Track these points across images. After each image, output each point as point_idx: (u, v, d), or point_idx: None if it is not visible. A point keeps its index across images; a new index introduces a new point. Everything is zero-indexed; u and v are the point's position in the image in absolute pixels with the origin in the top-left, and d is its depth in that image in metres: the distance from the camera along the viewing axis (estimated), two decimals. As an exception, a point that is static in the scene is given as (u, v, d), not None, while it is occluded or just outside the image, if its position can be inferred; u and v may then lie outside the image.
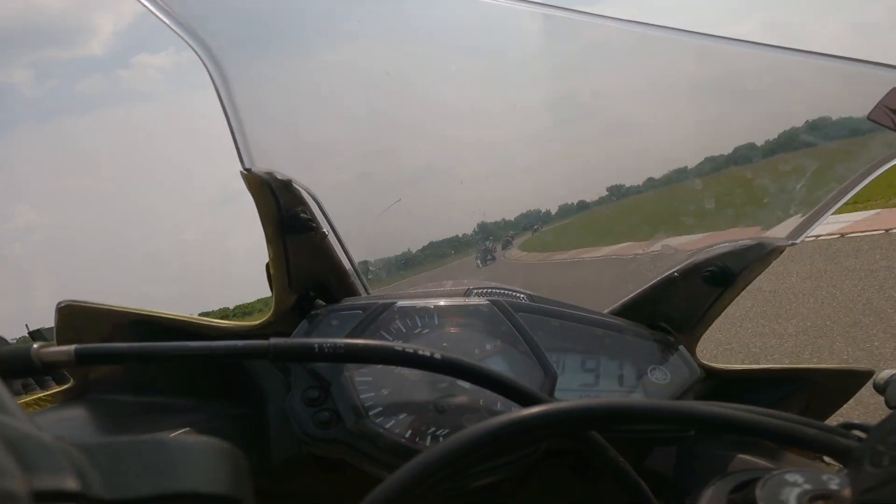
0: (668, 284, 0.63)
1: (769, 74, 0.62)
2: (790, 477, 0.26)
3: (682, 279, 0.61)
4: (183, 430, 0.42)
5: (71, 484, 0.15)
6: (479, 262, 0.91)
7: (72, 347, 0.34)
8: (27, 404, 0.46)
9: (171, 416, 0.46)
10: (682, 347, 0.60)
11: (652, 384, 0.56)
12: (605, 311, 0.66)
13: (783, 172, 0.61)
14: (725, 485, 0.28)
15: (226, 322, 0.56)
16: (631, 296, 0.66)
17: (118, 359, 0.36)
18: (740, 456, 0.40)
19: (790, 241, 0.56)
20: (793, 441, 0.30)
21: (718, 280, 0.58)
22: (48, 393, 0.48)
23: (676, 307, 0.63)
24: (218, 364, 0.55)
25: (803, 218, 0.57)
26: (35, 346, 0.34)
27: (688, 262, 0.61)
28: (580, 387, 0.56)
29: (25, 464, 0.15)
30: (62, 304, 0.47)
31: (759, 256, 0.56)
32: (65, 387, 0.49)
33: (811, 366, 0.63)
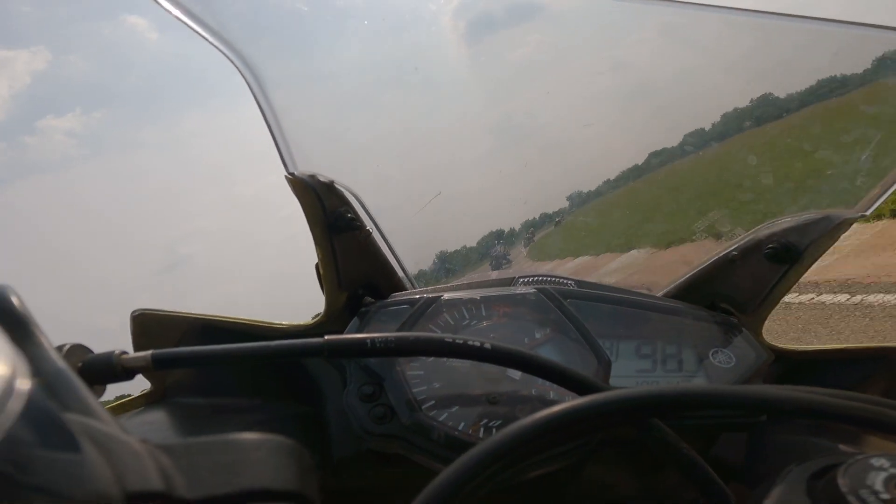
0: (726, 264, 0.59)
1: (820, 45, 0.58)
2: (875, 461, 0.24)
3: (742, 258, 0.58)
4: (251, 430, 0.45)
5: (157, 484, 0.17)
6: (491, 266, 0.89)
7: (148, 353, 0.37)
8: (113, 409, 0.50)
9: (240, 417, 0.48)
10: (746, 329, 0.57)
11: (715, 368, 0.53)
12: (660, 294, 0.64)
13: (845, 143, 0.57)
14: (804, 471, 0.26)
15: (283, 323, 0.58)
16: (686, 277, 0.63)
17: (189, 362, 0.38)
18: (816, 441, 0.38)
19: (859, 213, 0.52)
20: (876, 425, 0.28)
21: (782, 257, 0.54)
22: (132, 398, 0.52)
23: (738, 287, 0.59)
24: (278, 364, 0.57)
25: (873, 189, 0.52)
26: (116, 352, 0.37)
27: (747, 239, 0.58)
28: (636, 373, 0.54)
29: (117, 466, 0.16)
30: (136, 313, 0.51)
31: (826, 230, 0.52)
32: (145, 391, 0.53)
33: (892, 344, 0.58)
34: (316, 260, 0.59)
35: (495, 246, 0.89)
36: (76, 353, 0.36)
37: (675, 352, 0.55)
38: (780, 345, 0.58)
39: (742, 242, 0.58)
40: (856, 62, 0.57)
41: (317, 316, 0.60)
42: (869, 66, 0.56)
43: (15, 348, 0.14)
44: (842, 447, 0.36)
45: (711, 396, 0.30)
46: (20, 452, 0.13)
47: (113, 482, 0.16)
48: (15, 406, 0.13)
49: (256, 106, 0.54)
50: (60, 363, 0.21)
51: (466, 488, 0.25)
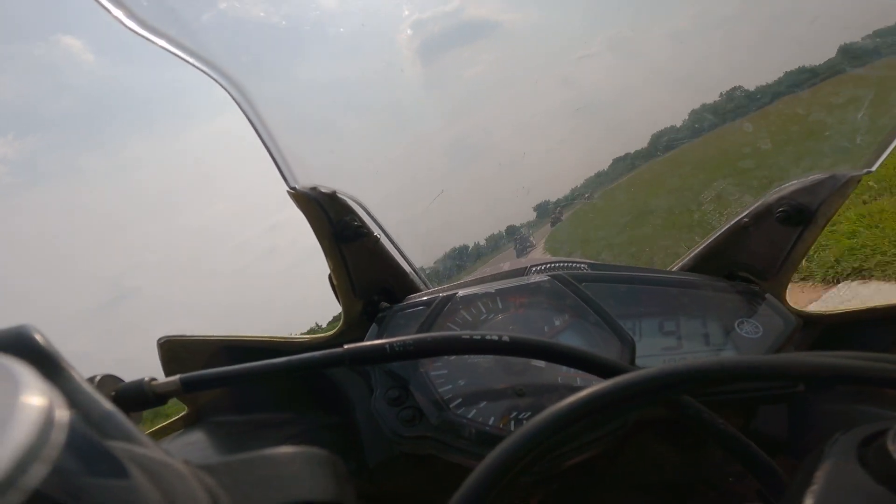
0: (740, 231, 0.59)
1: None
2: None
3: (754, 224, 0.57)
4: (286, 444, 0.45)
5: None
6: (517, 252, 0.89)
7: (177, 378, 0.37)
8: (153, 434, 0.51)
9: (274, 431, 0.49)
10: (769, 296, 0.56)
11: (743, 339, 0.53)
12: (675, 269, 0.63)
13: (837, 105, 0.57)
14: (851, 438, 0.25)
15: (304, 337, 0.59)
16: (700, 248, 0.62)
17: (216, 383, 0.39)
18: (860, 407, 0.37)
19: (866, 170, 0.51)
20: None
21: (795, 219, 0.53)
22: (169, 421, 0.53)
23: (755, 254, 0.58)
24: (305, 377, 0.57)
25: (876, 145, 0.51)
26: (146, 379, 0.37)
27: (757, 205, 0.57)
28: (662, 351, 0.53)
29: (165, 489, 0.16)
30: (162, 340, 0.51)
31: (834, 188, 0.52)
32: (182, 414, 0.54)
33: None
34: (328, 271, 0.59)
35: (518, 230, 0.89)
36: (108, 382, 0.36)
37: (700, 326, 0.54)
38: (807, 310, 0.56)
39: (752, 209, 0.58)
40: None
41: (335, 326, 0.61)
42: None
43: (47, 383, 0.15)
44: (887, 411, 0.36)
45: (744, 368, 0.30)
46: (70, 482, 0.13)
47: None
48: (58, 437, 0.13)
49: (248, 123, 0.54)
50: (95, 394, 0.21)
51: (502, 482, 0.25)
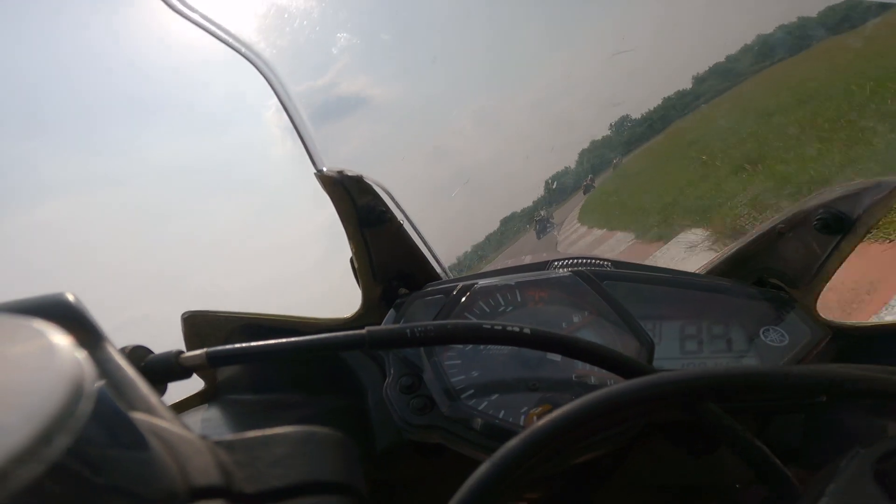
0: (773, 237, 0.56)
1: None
2: None
3: (789, 229, 0.55)
4: (300, 424, 0.46)
5: (219, 480, 0.17)
6: (538, 234, 0.87)
7: (203, 351, 0.38)
8: (173, 407, 0.53)
9: (288, 411, 0.50)
10: (799, 305, 0.54)
11: (767, 347, 0.51)
12: (703, 272, 0.61)
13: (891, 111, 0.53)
14: (870, 454, 0.24)
15: (322, 318, 0.60)
16: (731, 253, 0.60)
17: (241, 358, 0.39)
18: (879, 421, 0.35)
19: None
20: None
21: (834, 227, 0.51)
22: (188, 396, 0.55)
23: (787, 261, 0.56)
24: (320, 359, 0.59)
25: None
26: (174, 352, 0.39)
27: (795, 211, 0.54)
28: (682, 355, 0.52)
29: (181, 463, 0.17)
30: (186, 315, 0.53)
31: (879, 197, 0.49)
32: (200, 390, 0.56)
33: None
34: (350, 254, 0.60)
35: (538, 211, 0.88)
36: (137, 353, 0.38)
37: (723, 331, 0.53)
38: (838, 320, 0.54)
39: (789, 214, 0.55)
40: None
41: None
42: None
43: (82, 351, 0.15)
44: None
45: (770, 377, 0.29)
46: (92, 453, 0.14)
47: (178, 479, 0.16)
48: (85, 408, 0.13)
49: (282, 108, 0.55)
50: (125, 364, 0.22)
51: (510, 477, 0.25)
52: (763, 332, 0.52)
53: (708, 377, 0.28)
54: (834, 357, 0.55)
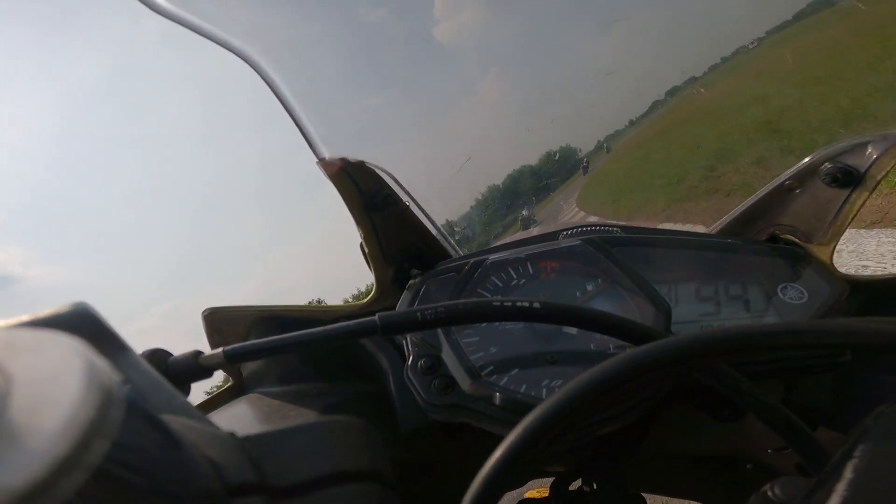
0: (783, 193, 0.55)
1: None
2: None
3: (798, 184, 0.54)
4: (324, 414, 0.47)
5: (252, 476, 0.18)
6: (521, 228, 0.87)
7: (220, 350, 0.39)
8: (201, 406, 0.54)
9: (312, 401, 0.51)
10: (815, 260, 0.53)
11: (786, 305, 0.50)
12: (714, 231, 0.61)
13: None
14: (894, 412, 0.24)
15: (337, 305, 0.60)
16: (740, 211, 0.59)
17: (256, 354, 0.40)
18: None
19: None
20: None
21: (843, 180, 0.50)
22: (216, 393, 0.56)
23: (799, 216, 0.55)
24: (339, 347, 0.59)
25: None
26: (193, 352, 0.39)
27: (802, 165, 0.53)
28: (699, 317, 0.52)
29: (215, 461, 0.17)
30: (206, 312, 0.54)
31: (885, 149, 0.48)
32: (227, 386, 0.57)
33: None
34: (360, 240, 0.60)
35: (521, 211, 0.88)
36: (158, 357, 0.38)
37: (740, 291, 0.52)
38: (855, 274, 0.53)
39: (796, 169, 0.54)
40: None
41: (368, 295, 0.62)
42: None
43: (104, 359, 0.15)
44: None
45: (784, 334, 0.28)
46: (130, 456, 0.14)
47: (214, 477, 0.17)
48: (117, 413, 0.14)
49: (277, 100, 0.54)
50: (150, 369, 0.22)
51: (534, 450, 0.25)
52: (781, 290, 0.51)
53: (721, 338, 0.28)
54: (856, 312, 0.54)
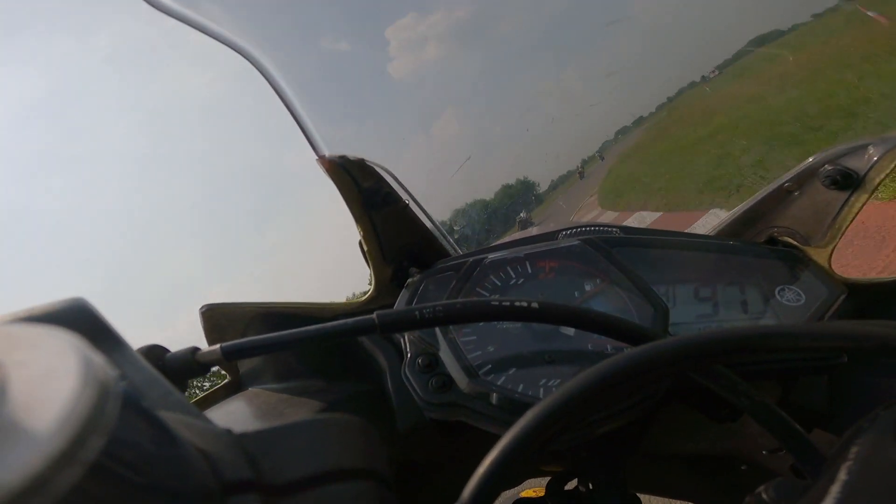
0: (782, 195, 0.55)
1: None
2: None
3: (797, 187, 0.54)
4: (322, 412, 0.47)
5: (248, 473, 0.18)
6: (519, 230, 0.87)
7: (218, 347, 0.38)
8: (199, 402, 0.54)
9: (309, 399, 0.51)
10: (813, 262, 0.53)
11: (783, 307, 0.50)
12: (713, 233, 0.61)
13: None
14: (890, 415, 0.24)
15: (337, 302, 0.60)
16: (739, 212, 0.59)
17: (253, 351, 0.40)
18: None
19: None
20: None
21: (842, 183, 0.50)
22: (213, 390, 0.56)
23: (798, 218, 0.55)
24: (337, 344, 0.59)
25: None
26: (190, 349, 0.39)
27: (801, 168, 0.54)
28: (697, 318, 0.52)
29: (211, 458, 0.17)
30: (204, 308, 0.54)
31: (885, 153, 0.48)
32: (224, 382, 0.57)
33: None
34: (359, 238, 0.60)
35: (520, 214, 0.88)
36: (154, 353, 0.38)
37: (738, 293, 0.52)
38: (853, 277, 0.54)
39: (796, 172, 0.54)
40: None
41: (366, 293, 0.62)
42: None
43: (101, 354, 0.15)
44: None
45: (781, 336, 0.28)
46: (126, 453, 0.14)
47: (210, 474, 0.17)
48: (113, 408, 0.14)
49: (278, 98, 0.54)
50: (146, 365, 0.22)
51: (531, 449, 0.25)
52: (778, 292, 0.51)
53: (718, 339, 0.28)
54: (853, 315, 0.54)
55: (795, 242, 0.56)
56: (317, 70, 0.62)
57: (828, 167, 0.51)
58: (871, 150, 0.49)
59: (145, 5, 0.46)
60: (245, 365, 0.57)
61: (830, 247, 0.53)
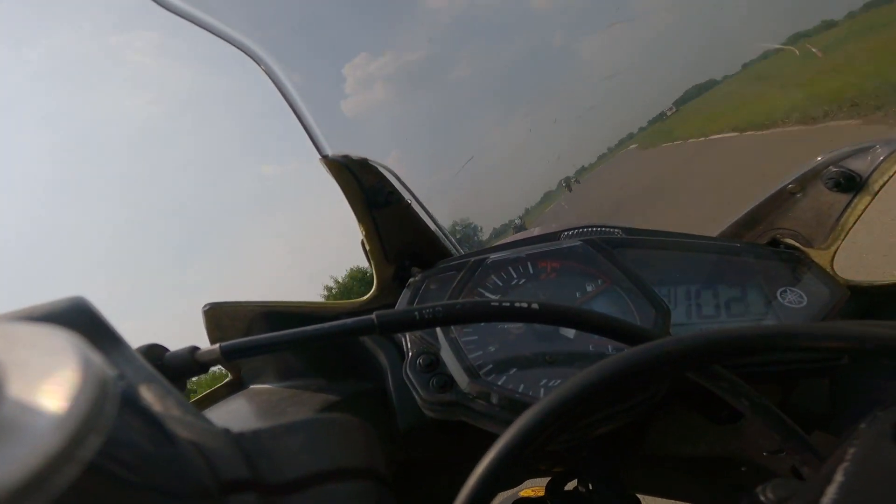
0: (784, 196, 0.55)
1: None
2: None
3: (800, 189, 0.54)
4: (321, 411, 0.47)
5: (246, 472, 0.18)
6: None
7: (217, 346, 0.38)
8: (199, 401, 0.54)
9: (309, 398, 0.51)
10: (816, 264, 0.53)
11: (785, 309, 0.50)
12: (715, 234, 0.60)
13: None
14: (889, 415, 0.24)
15: (338, 301, 0.60)
16: (742, 214, 0.59)
17: (253, 350, 0.40)
18: None
19: None
20: None
21: (845, 185, 0.50)
22: (214, 389, 0.56)
23: (800, 220, 0.55)
24: (338, 344, 0.59)
25: None
26: (190, 348, 0.39)
27: (804, 170, 0.53)
28: (699, 320, 0.52)
29: (209, 457, 0.17)
30: (207, 307, 0.54)
31: (888, 154, 0.48)
32: (225, 381, 0.57)
33: None
34: (361, 237, 0.60)
35: (514, 220, 0.88)
36: (154, 352, 0.38)
37: (740, 294, 0.52)
38: (855, 279, 0.53)
39: (799, 174, 0.54)
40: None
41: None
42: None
43: (100, 353, 0.15)
44: None
45: (781, 337, 0.28)
46: (125, 452, 0.14)
47: (208, 474, 0.17)
48: (112, 408, 0.14)
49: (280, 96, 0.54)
50: (145, 364, 0.22)
51: (529, 449, 0.25)
52: (780, 294, 0.51)
53: (718, 340, 0.27)
54: (854, 317, 0.54)
55: (798, 244, 0.56)
56: (321, 69, 0.62)
57: (832, 168, 0.51)
58: (875, 151, 0.49)
59: (149, 4, 0.46)
60: (246, 364, 0.57)
61: (833, 249, 0.53)
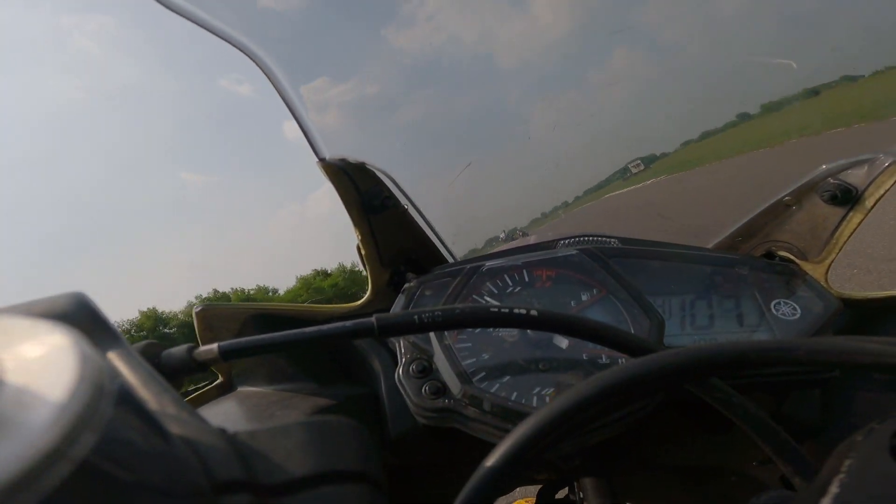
0: (780, 209, 0.56)
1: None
2: None
3: (797, 201, 0.54)
4: (315, 414, 0.47)
5: (240, 473, 0.18)
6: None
7: (216, 346, 0.38)
8: (191, 401, 0.54)
9: (302, 401, 0.50)
10: (810, 277, 0.53)
11: (779, 321, 0.51)
12: (711, 246, 0.61)
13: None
14: (885, 429, 0.24)
15: (332, 306, 0.60)
16: (738, 226, 0.60)
17: (252, 351, 0.39)
18: None
19: None
20: None
21: (841, 199, 0.51)
22: (205, 389, 0.56)
23: (796, 233, 0.56)
24: (332, 348, 0.59)
25: None
26: (187, 347, 0.39)
27: (801, 183, 0.54)
28: (693, 330, 0.52)
29: (203, 457, 0.17)
30: (198, 308, 0.53)
31: (884, 168, 0.49)
32: (216, 382, 0.56)
33: None
34: (356, 241, 0.60)
35: (516, 230, 0.89)
36: (151, 350, 0.38)
37: (734, 306, 0.53)
38: (849, 292, 0.54)
39: (796, 187, 0.55)
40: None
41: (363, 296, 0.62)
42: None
43: (97, 350, 0.15)
44: None
45: (775, 351, 0.28)
46: (119, 450, 0.14)
47: (202, 474, 0.17)
48: (107, 406, 0.14)
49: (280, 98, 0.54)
50: (142, 362, 0.22)
51: (526, 458, 0.25)
52: (774, 306, 0.52)
53: (714, 353, 0.28)
54: (847, 330, 0.54)
55: (792, 257, 0.56)
56: (321, 73, 0.62)
57: (829, 181, 0.52)
58: (871, 165, 0.50)
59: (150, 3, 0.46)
60: (237, 366, 0.57)
61: (827, 262, 0.54)
